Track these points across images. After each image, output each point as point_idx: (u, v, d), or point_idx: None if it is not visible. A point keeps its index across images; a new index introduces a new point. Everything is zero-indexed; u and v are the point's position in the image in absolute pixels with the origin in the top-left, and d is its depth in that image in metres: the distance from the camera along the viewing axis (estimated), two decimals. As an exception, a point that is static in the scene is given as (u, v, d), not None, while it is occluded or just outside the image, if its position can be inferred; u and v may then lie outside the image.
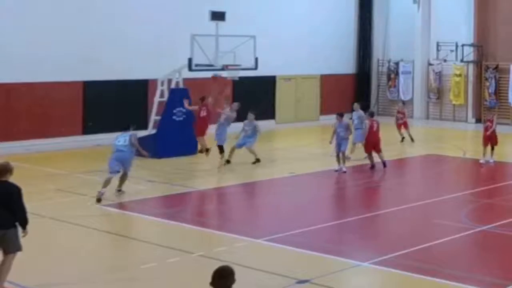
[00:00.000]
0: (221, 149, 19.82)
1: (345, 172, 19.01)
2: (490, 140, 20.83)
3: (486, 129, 21.08)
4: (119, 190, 16.01)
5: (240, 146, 20.10)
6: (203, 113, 20.59)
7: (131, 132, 16.48)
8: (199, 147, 20.83)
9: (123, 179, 16.08)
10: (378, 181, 18.72)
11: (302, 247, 12.04)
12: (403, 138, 25.01)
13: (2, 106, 22.42)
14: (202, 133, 20.57)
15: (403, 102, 28.29)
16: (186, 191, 16.89)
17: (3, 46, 22.24)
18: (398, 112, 25.55)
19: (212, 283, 6.23)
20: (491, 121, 21.12)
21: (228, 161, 19.87)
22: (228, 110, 20.51)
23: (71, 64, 23.58)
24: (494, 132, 20.95)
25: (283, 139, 26.84)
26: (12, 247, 9.63)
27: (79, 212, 14.36)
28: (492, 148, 20.79)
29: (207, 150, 20.23)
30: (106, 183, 15.42)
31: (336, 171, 19.07)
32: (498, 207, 15.61)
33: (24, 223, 9.65)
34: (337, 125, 19.32)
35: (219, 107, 20.91)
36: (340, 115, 19.69)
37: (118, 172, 15.86)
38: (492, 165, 20.40)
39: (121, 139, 16.18)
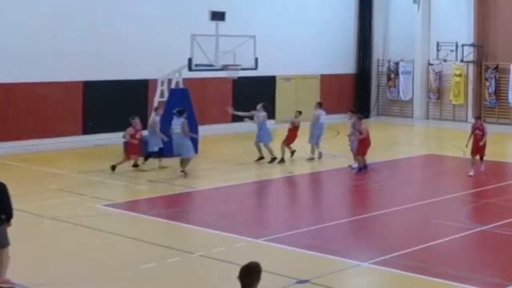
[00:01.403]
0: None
1: (353, 168, 19.38)
2: (479, 151, 18.91)
3: (476, 138, 18.84)
4: (182, 171, 17.92)
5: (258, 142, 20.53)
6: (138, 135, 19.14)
7: (182, 119, 18.02)
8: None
9: (182, 162, 18.03)
10: (378, 181, 18.70)
11: (302, 247, 12.04)
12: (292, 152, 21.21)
13: (2, 106, 22.42)
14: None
15: (300, 112, 21.69)
16: (186, 191, 16.89)
17: (3, 46, 22.23)
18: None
19: (238, 277, 6.27)
20: (481, 130, 18.94)
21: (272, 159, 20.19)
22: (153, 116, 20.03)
23: (71, 64, 23.58)
24: (484, 143, 18.86)
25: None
26: (6, 242, 9.99)
27: (79, 212, 14.36)
28: (481, 159, 19.03)
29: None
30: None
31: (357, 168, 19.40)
32: (498, 207, 15.60)
33: (11, 216, 10.12)
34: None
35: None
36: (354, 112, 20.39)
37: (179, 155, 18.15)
38: (482, 171, 19.03)
39: (174, 125, 18.00)
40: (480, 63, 31.22)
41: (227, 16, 21.58)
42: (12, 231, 11.59)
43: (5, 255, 9.96)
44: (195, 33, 20.94)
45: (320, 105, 21.89)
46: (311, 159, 20.72)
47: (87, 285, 10.34)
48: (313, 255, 11.70)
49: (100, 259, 11.44)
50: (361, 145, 19.18)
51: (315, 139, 20.91)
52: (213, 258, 11.34)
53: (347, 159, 19.99)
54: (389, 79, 33.57)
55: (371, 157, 20.63)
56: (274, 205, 15.98)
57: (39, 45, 22.89)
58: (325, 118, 21.49)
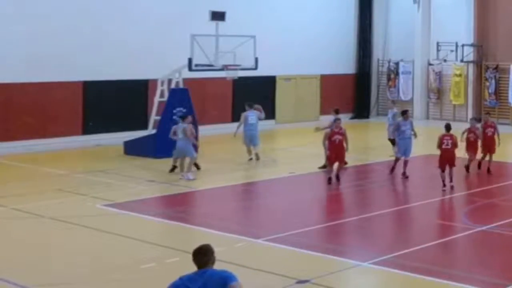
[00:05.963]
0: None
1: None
2: (490, 148, 19.42)
3: (486, 136, 19.38)
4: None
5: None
6: None
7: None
8: None
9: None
10: (378, 181, 18.70)
11: (302, 247, 12.03)
12: None
13: (2, 106, 22.42)
14: None
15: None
16: (186, 191, 16.88)
17: (3, 46, 22.23)
18: None
19: (195, 259, 7.01)
20: (493, 127, 19.69)
21: None
22: None
23: (71, 64, 23.58)
24: (494, 139, 19.48)
25: (283, 139, 26.83)
26: None
27: (79, 212, 14.36)
28: (491, 156, 19.42)
29: None
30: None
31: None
32: (498, 207, 15.60)
33: None
34: (402, 123, 18.65)
35: None
36: (405, 112, 19.11)
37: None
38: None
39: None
40: (480, 63, 31.23)
41: (227, 16, 21.59)
42: (12, 231, 11.69)
43: None
44: (195, 33, 20.94)
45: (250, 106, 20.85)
46: (250, 159, 20.39)
47: (87, 285, 10.33)
48: (313, 255, 11.70)
49: (100, 259, 11.44)
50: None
51: (247, 140, 20.43)
52: (213, 258, 11.32)
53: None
54: (389, 79, 33.57)
55: (372, 157, 20.67)
56: (274, 205, 15.97)
57: (39, 45, 22.87)
58: (255, 119, 20.62)
